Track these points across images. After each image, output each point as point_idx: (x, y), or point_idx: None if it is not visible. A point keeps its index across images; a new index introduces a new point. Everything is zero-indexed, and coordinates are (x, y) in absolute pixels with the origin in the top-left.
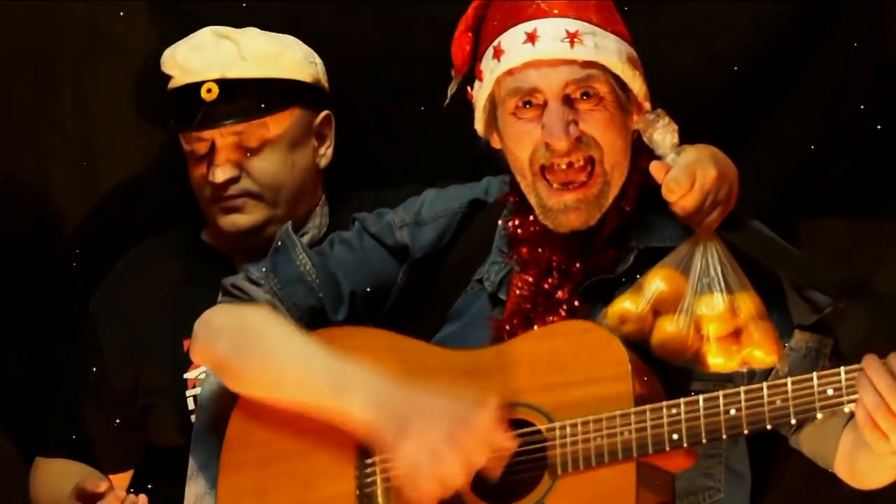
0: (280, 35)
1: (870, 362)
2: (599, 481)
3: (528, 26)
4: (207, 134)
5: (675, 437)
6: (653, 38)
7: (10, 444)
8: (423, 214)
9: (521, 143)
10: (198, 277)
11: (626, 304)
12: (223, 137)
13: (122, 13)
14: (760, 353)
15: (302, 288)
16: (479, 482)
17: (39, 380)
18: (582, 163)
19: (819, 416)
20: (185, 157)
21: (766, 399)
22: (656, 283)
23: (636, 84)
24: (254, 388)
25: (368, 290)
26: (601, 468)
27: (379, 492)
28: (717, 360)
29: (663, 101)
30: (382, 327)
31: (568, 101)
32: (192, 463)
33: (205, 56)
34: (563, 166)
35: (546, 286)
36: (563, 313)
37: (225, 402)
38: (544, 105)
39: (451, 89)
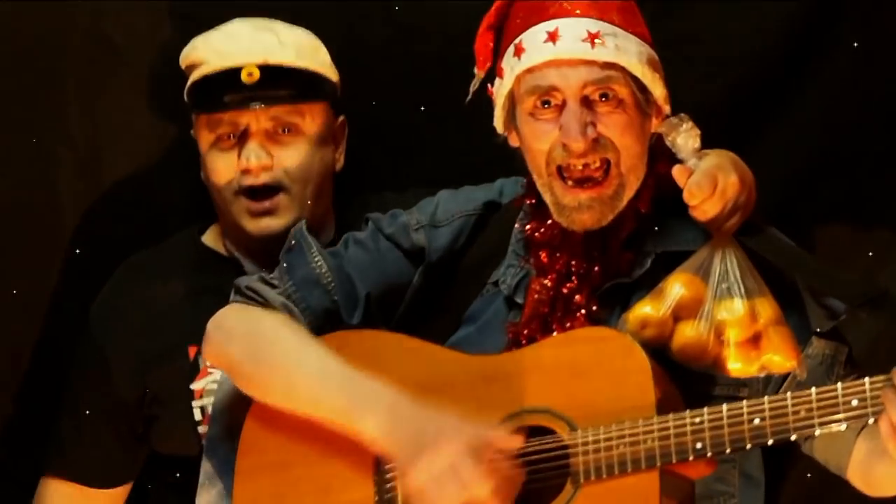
0: (309, 32)
1: None
2: (622, 490)
3: (550, 25)
4: (243, 118)
5: (698, 445)
6: (657, 43)
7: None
8: (438, 216)
9: (539, 142)
10: (201, 284)
11: (647, 309)
12: (258, 122)
13: (127, 19)
14: (779, 358)
15: (317, 290)
16: None
17: (44, 393)
18: (598, 164)
19: (844, 427)
20: (195, 159)
21: (790, 409)
22: (676, 288)
23: (656, 87)
24: (266, 396)
25: (383, 292)
26: (624, 476)
27: (399, 498)
28: (736, 365)
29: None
30: (397, 329)
31: (586, 102)
32: (203, 471)
33: (245, 41)
34: (580, 167)
35: (564, 291)
36: (581, 317)
37: (238, 411)
38: (563, 105)
39: (473, 86)
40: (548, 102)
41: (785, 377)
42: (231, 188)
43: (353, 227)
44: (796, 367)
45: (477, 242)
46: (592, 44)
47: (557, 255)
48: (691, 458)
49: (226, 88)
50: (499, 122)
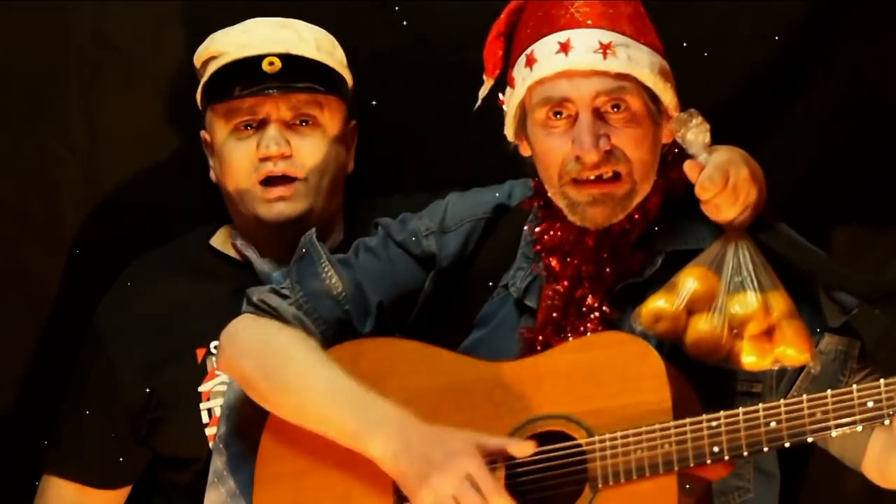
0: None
1: None
2: (641, 494)
3: (562, 36)
4: (263, 108)
5: (715, 449)
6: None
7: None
8: (447, 221)
9: (551, 156)
10: (208, 286)
11: (661, 303)
12: (278, 112)
13: (129, 21)
14: (793, 351)
15: (328, 301)
16: (519, 496)
17: (46, 393)
18: (610, 174)
19: (859, 428)
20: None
21: (806, 411)
22: (690, 282)
23: (667, 96)
24: (279, 411)
25: (395, 299)
26: (642, 481)
27: None
28: (750, 359)
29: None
30: (408, 335)
31: (598, 113)
32: (212, 470)
33: (264, 35)
34: (592, 178)
35: (577, 295)
36: (595, 320)
37: (248, 411)
38: (575, 116)
39: (483, 93)
40: (560, 113)
41: (799, 372)
42: (248, 177)
43: (361, 229)
44: (810, 360)
45: (486, 246)
46: (605, 55)
47: (568, 259)
48: (709, 462)
49: (246, 77)
50: (509, 132)
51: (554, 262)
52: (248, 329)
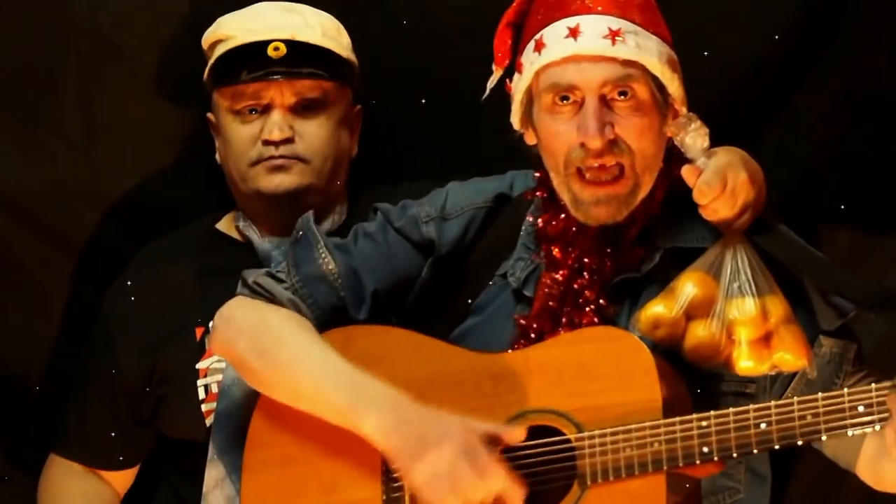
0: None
1: None
2: (629, 492)
3: (571, 21)
4: (267, 93)
5: (705, 450)
6: None
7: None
8: (447, 209)
9: (556, 142)
10: (211, 266)
11: (659, 309)
12: (282, 97)
13: (125, 17)
14: (791, 356)
15: (324, 286)
16: None
17: (53, 377)
18: (613, 164)
19: (850, 432)
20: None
21: (796, 414)
22: (688, 287)
23: (674, 87)
24: (271, 392)
25: (392, 286)
26: (631, 479)
27: (406, 497)
28: (748, 364)
29: None
30: (405, 322)
31: (605, 100)
32: (212, 447)
33: (271, 20)
34: (595, 166)
35: (575, 286)
36: (590, 312)
37: (247, 387)
38: (581, 103)
39: (492, 82)
40: (566, 98)
41: (793, 374)
42: (250, 158)
43: (364, 214)
44: (808, 365)
45: (486, 235)
46: (613, 41)
47: (570, 249)
48: (698, 462)
49: (251, 62)
50: (515, 119)
51: (555, 251)
52: (242, 310)
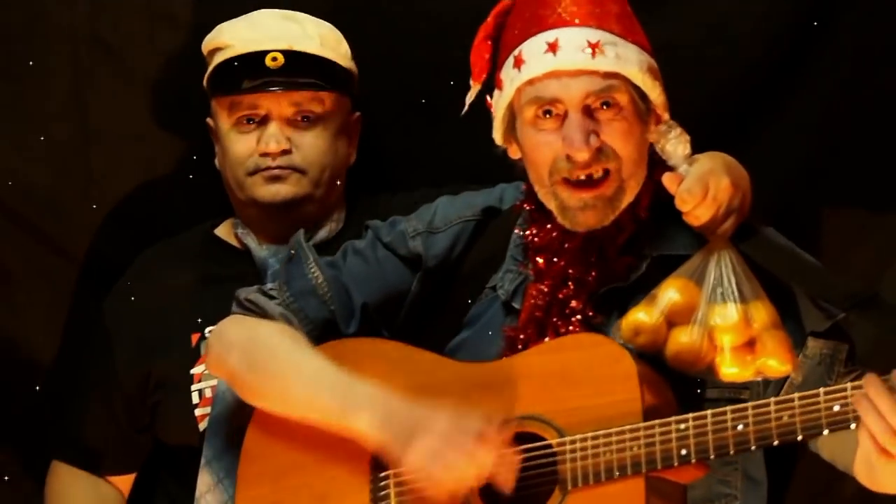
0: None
1: (870, 382)
2: (609, 496)
3: (550, 36)
4: (264, 103)
5: (683, 452)
6: (655, 46)
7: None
8: (436, 223)
9: (541, 154)
10: (209, 273)
11: (640, 316)
12: (279, 108)
13: (123, 22)
14: (775, 362)
15: (314, 301)
16: (492, 496)
17: (53, 381)
18: (600, 173)
19: (826, 432)
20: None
21: (773, 415)
22: (670, 293)
23: (655, 94)
24: (264, 402)
25: (382, 301)
26: (611, 483)
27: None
28: (731, 371)
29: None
30: (397, 336)
31: (588, 111)
32: (205, 452)
33: (269, 29)
34: (582, 177)
35: (561, 296)
36: (577, 323)
37: (237, 400)
38: (564, 116)
39: (470, 98)
40: (549, 112)
41: (784, 381)
42: (247, 168)
43: (362, 222)
44: (792, 370)
45: (476, 248)
46: (593, 53)
47: (555, 259)
48: (676, 464)
49: (249, 72)
50: (498, 135)
51: (540, 262)
52: (234, 327)
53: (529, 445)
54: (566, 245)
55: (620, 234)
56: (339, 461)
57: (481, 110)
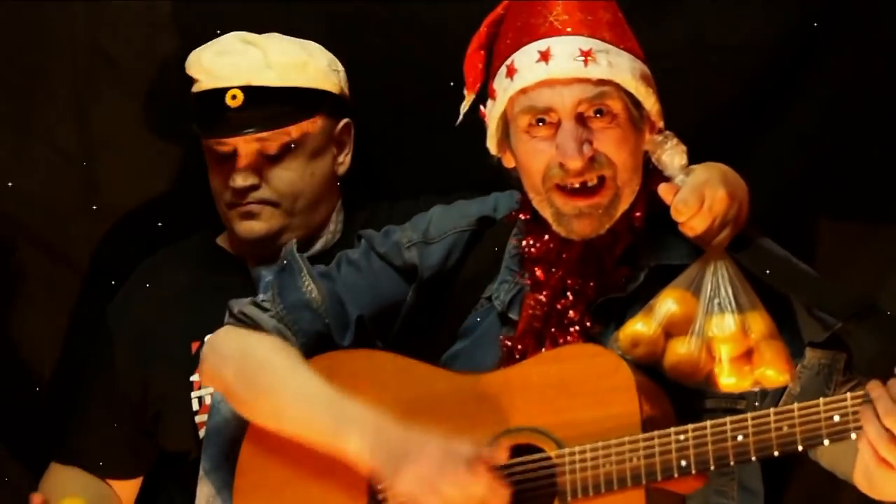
0: (305, 42)
1: (874, 389)
2: None
3: (542, 45)
4: (231, 140)
5: (683, 463)
6: (649, 57)
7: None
8: (430, 233)
9: (535, 161)
10: (210, 281)
11: (638, 327)
12: (246, 143)
13: (124, 31)
14: (773, 372)
15: (308, 313)
16: None
17: (58, 387)
18: (595, 181)
19: (826, 442)
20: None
21: (773, 425)
22: (668, 304)
23: (649, 101)
24: (258, 419)
25: (377, 312)
26: (610, 495)
27: None
28: (729, 381)
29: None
30: (392, 347)
31: (581, 119)
32: (203, 464)
33: (231, 61)
34: (577, 185)
35: (559, 306)
36: (575, 333)
37: (233, 411)
38: (558, 124)
39: (464, 107)
40: (543, 121)
41: (782, 391)
42: (225, 200)
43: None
44: (790, 381)
45: (471, 258)
46: (585, 62)
47: (553, 270)
48: (676, 475)
49: (213, 111)
50: (492, 144)
51: (538, 272)
52: (228, 339)
53: (528, 458)
54: (564, 255)
55: (617, 244)
56: (337, 473)
57: (477, 119)
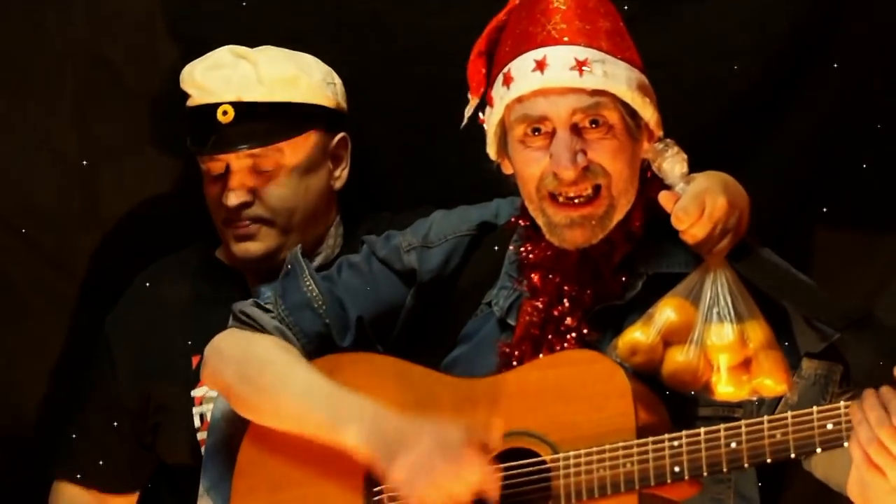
0: (299, 55)
1: (865, 395)
2: None
3: (538, 54)
4: (223, 157)
5: (676, 469)
6: (648, 63)
7: (25, 462)
8: (430, 237)
9: (529, 169)
10: (210, 294)
11: (637, 335)
12: (238, 160)
13: (125, 39)
14: (770, 382)
15: (309, 314)
16: None
17: (57, 400)
18: (590, 191)
19: (818, 450)
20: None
21: (766, 433)
22: (666, 313)
23: (647, 111)
24: (257, 415)
25: (376, 315)
26: (604, 499)
27: None
28: (727, 390)
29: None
30: (393, 350)
31: (576, 129)
32: (202, 481)
33: (222, 76)
34: (571, 194)
35: (556, 313)
36: (572, 340)
37: (237, 421)
38: (553, 133)
39: (468, 112)
40: (538, 130)
41: (778, 400)
42: (220, 218)
43: (359, 246)
44: (787, 391)
45: (471, 263)
46: (581, 71)
47: (550, 276)
48: (669, 481)
49: (204, 126)
50: (491, 150)
51: (535, 279)
52: (230, 340)
53: (522, 462)
54: (561, 262)
55: (615, 251)
56: (333, 476)
57: (478, 129)
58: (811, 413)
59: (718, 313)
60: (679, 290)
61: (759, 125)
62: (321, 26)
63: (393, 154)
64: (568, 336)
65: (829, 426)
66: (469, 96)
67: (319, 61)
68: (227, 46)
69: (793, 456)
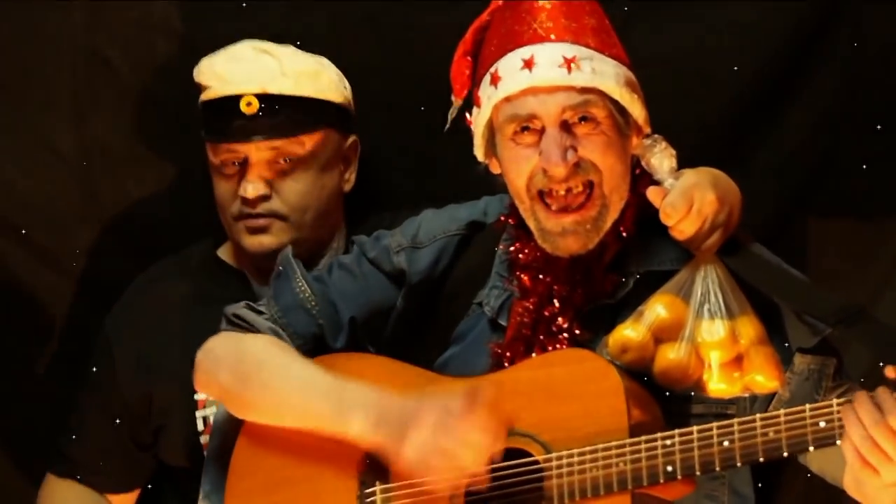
0: (315, 55)
1: (858, 396)
2: None
3: (525, 52)
4: (243, 148)
5: (669, 468)
6: (649, 63)
7: (22, 461)
8: (419, 237)
9: (519, 168)
10: (212, 295)
11: (628, 333)
12: (258, 152)
13: (122, 37)
14: (762, 378)
15: (302, 315)
16: None
17: (57, 397)
18: (581, 188)
19: (811, 448)
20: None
21: (759, 431)
22: (657, 310)
23: (635, 108)
24: (257, 414)
25: (368, 316)
26: (597, 499)
27: None
28: (719, 387)
29: (660, 124)
30: (385, 351)
31: (566, 126)
32: (203, 485)
33: (245, 68)
34: (562, 192)
35: (547, 314)
36: (564, 341)
37: (238, 426)
38: (542, 131)
39: (452, 114)
40: (527, 128)
41: (771, 397)
42: (232, 213)
43: (349, 247)
44: (780, 386)
45: (461, 262)
46: (569, 69)
47: (540, 277)
48: (662, 480)
49: (225, 117)
50: (479, 151)
51: (525, 279)
52: (222, 343)
53: (515, 462)
54: (551, 263)
55: (606, 252)
56: (327, 474)
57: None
58: (803, 411)
59: (709, 310)
60: (670, 287)
61: (759, 125)
62: (321, 26)
63: (393, 154)
64: (560, 336)
65: (822, 424)
66: (453, 98)
67: (332, 63)
68: (245, 41)
69: (785, 454)
